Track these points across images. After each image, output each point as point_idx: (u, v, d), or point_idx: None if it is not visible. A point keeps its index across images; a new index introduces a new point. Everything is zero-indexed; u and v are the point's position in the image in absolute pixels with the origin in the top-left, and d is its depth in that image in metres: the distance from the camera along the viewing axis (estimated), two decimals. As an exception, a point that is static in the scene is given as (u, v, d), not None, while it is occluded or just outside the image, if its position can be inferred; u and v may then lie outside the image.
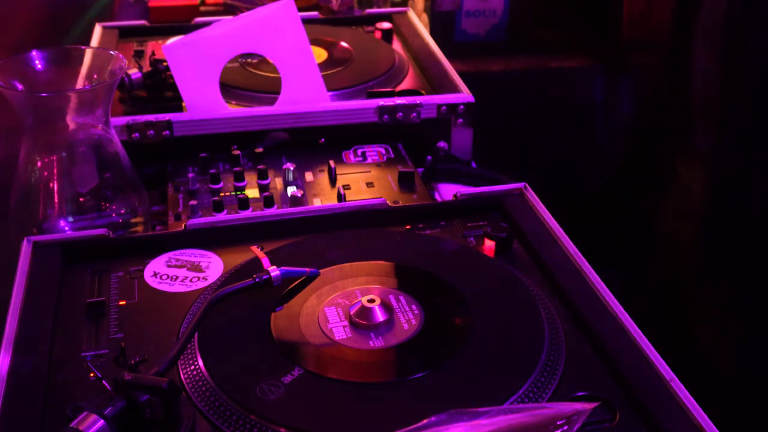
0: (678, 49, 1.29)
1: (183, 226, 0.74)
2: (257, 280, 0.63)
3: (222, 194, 0.86)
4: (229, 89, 1.01)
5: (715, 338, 1.26)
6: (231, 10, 1.36)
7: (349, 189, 0.87)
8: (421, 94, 1.02)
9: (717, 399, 1.20)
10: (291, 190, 0.86)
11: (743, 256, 1.19)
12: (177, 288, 0.68)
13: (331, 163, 0.90)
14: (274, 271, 0.64)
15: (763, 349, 1.20)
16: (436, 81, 1.05)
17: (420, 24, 1.24)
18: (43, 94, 0.76)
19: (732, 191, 1.19)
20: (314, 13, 1.29)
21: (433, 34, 1.25)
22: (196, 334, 0.59)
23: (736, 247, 1.19)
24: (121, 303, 0.66)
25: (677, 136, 1.32)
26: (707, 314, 1.26)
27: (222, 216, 0.80)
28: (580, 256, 0.69)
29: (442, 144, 0.99)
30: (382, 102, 0.96)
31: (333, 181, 0.89)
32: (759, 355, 1.21)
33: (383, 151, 0.95)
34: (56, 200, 0.78)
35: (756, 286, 1.18)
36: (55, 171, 0.77)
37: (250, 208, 0.83)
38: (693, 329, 1.30)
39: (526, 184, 0.79)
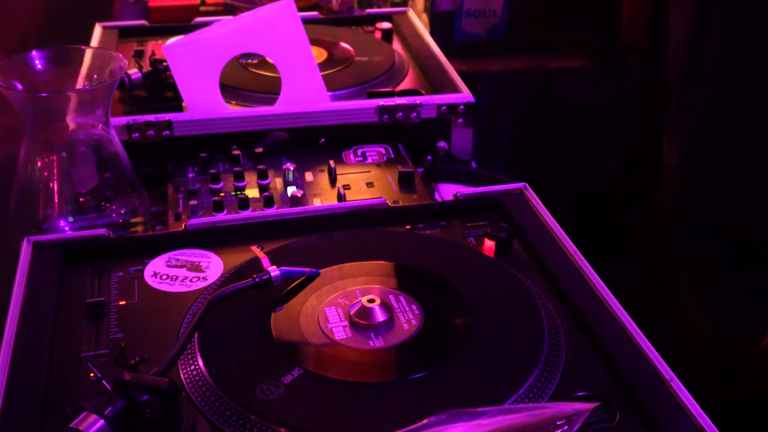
0: (656, 28, 1.30)
1: (183, 226, 0.74)
2: (257, 280, 0.63)
3: (222, 194, 0.86)
4: (229, 89, 1.01)
5: (715, 335, 1.26)
6: (231, 10, 1.36)
7: (349, 189, 0.87)
8: (421, 94, 1.02)
9: (716, 397, 1.20)
10: (291, 190, 0.86)
11: (712, 228, 1.20)
12: (177, 288, 0.68)
13: (331, 163, 0.90)
14: (274, 271, 0.64)
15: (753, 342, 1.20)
16: (436, 81, 1.05)
17: (420, 24, 1.24)
18: (43, 94, 0.76)
19: (697, 162, 1.20)
20: (314, 13, 1.29)
21: (433, 34, 1.25)
22: (196, 334, 0.59)
23: (706, 219, 1.21)
24: (121, 303, 0.66)
25: (660, 114, 1.32)
26: (707, 311, 1.26)
27: (222, 216, 0.80)
28: (580, 256, 0.69)
29: (442, 144, 0.99)
30: (382, 102, 0.96)
31: (333, 181, 0.89)
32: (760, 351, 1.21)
33: (383, 151, 0.95)
34: (56, 200, 0.78)
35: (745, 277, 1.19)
36: (55, 171, 0.77)
37: (250, 208, 0.83)
38: (692, 327, 1.30)
39: (526, 184, 0.79)
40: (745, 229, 1.15)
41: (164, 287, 0.68)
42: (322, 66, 1.05)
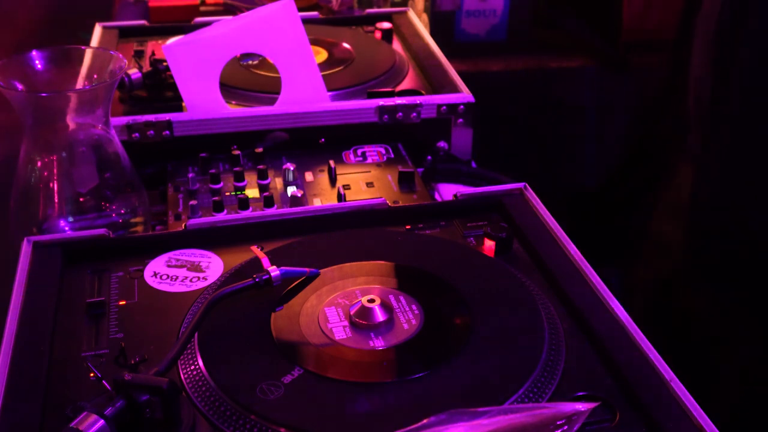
0: (678, 53, 1.30)
1: (183, 226, 0.74)
2: (257, 280, 0.63)
3: (222, 194, 0.86)
4: (229, 89, 1.01)
5: (713, 335, 1.26)
6: (231, 10, 1.36)
7: (349, 189, 0.87)
8: (421, 94, 1.02)
9: (716, 397, 1.20)
10: (291, 190, 0.86)
11: (730, 260, 1.20)
12: (177, 288, 0.68)
13: (331, 163, 0.90)
14: (274, 271, 0.64)
15: (759, 351, 1.20)
16: (436, 81, 1.05)
17: (420, 24, 1.24)
18: (43, 94, 0.76)
19: (720, 193, 1.20)
20: (314, 13, 1.29)
21: (433, 34, 1.25)
22: (196, 334, 0.59)
23: (723, 250, 1.21)
24: (121, 303, 0.66)
25: (674, 137, 1.33)
26: (704, 313, 1.26)
27: (222, 216, 0.80)
28: (580, 256, 0.69)
29: (442, 144, 0.99)
30: (382, 102, 0.96)
31: (333, 181, 0.89)
32: (756, 355, 1.21)
33: (383, 151, 0.95)
34: (56, 200, 0.78)
35: (743, 286, 1.19)
36: (55, 171, 0.77)
37: (250, 208, 0.83)
38: (692, 327, 1.30)
39: (526, 184, 0.79)
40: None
41: (164, 287, 0.68)
42: (322, 66, 1.05)
